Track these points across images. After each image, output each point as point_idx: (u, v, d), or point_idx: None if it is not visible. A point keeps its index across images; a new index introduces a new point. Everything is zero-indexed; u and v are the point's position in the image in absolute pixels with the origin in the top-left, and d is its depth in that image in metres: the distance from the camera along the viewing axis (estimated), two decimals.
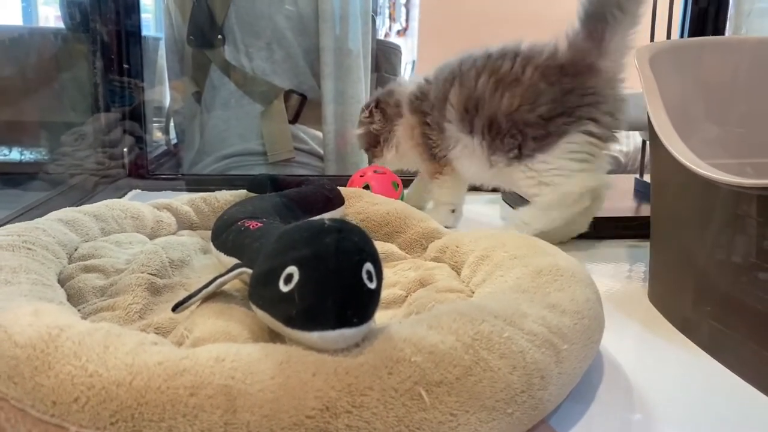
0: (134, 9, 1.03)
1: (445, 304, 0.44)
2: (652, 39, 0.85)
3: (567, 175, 0.67)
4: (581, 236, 0.77)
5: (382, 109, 0.81)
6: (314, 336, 0.30)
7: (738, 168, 0.64)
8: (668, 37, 0.86)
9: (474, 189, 1.02)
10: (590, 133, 0.67)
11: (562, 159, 0.67)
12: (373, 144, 0.83)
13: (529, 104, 0.66)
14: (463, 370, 0.31)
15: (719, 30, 1.15)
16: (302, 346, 0.31)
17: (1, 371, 0.30)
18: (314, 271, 0.30)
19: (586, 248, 0.75)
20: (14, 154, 1.16)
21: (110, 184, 1.05)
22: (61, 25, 1.09)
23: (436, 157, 0.77)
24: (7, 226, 0.51)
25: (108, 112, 1.08)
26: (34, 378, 0.29)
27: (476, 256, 0.52)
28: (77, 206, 0.61)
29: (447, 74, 0.74)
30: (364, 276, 0.31)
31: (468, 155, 0.73)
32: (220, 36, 1.11)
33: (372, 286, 0.31)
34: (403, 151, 0.81)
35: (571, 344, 0.38)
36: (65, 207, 0.61)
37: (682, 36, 1.14)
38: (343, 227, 0.33)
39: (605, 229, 0.78)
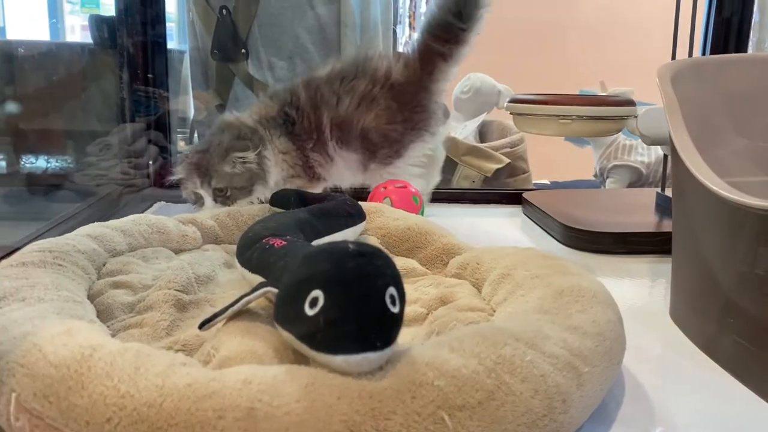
0: (159, 20, 1.05)
1: (467, 325, 0.44)
2: (673, 55, 0.85)
3: (409, 178, 0.84)
4: (602, 251, 0.78)
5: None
6: (338, 359, 0.31)
7: (762, 185, 0.63)
8: (690, 52, 0.86)
9: (495, 201, 1.03)
10: (426, 143, 0.85)
11: (409, 165, 0.85)
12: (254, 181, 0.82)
13: (389, 121, 0.82)
14: (486, 395, 0.32)
15: (743, 41, 1.14)
16: (326, 369, 0.32)
17: (36, 390, 0.31)
18: (339, 295, 0.31)
19: (606, 263, 0.75)
20: (40, 162, 1.18)
21: (135, 194, 1.07)
22: (87, 36, 1.11)
23: (316, 175, 0.85)
24: (39, 241, 0.53)
25: (133, 123, 1.10)
26: (68, 398, 0.30)
27: (497, 274, 0.52)
28: (105, 220, 0.62)
29: (306, 99, 0.83)
30: (388, 300, 0.32)
31: (344, 167, 0.85)
32: (243, 50, 1.12)
33: (395, 310, 0.32)
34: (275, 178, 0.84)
35: (593, 367, 0.38)
36: (94, 219, 0.62)
37: (704, 48, 1.14)
38: (367, 251, 0.33)
39: (627, 244, 0.78)
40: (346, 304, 0.31)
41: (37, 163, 1.18)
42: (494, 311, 0.49)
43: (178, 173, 0.79)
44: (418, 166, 0.85)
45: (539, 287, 0.47)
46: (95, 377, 0.31)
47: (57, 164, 1.20)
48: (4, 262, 0.49)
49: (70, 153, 1.21)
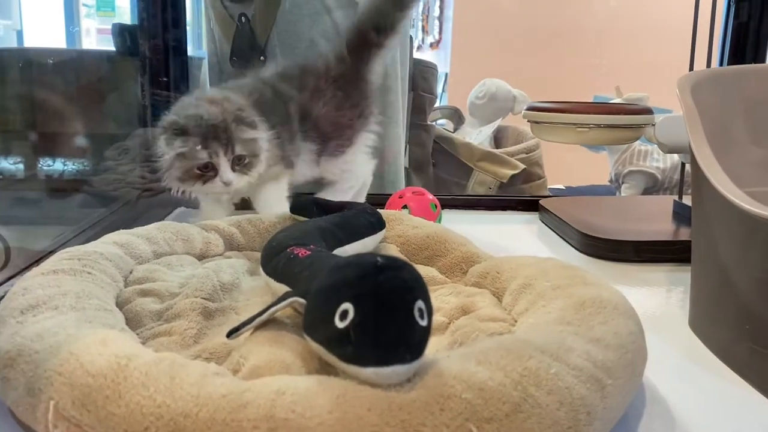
0: (179, 26, 1.07)
1: (489, 335, 0.45)
2: (691, 64, 0.85)
3: (361, 165, 0.89)
4: (620, 259, 0.78)
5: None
6: (368, 371, 0.32)
7: None
8: (708, 60, 0.86)
9: (511, 208, 1.03)
10: (371, 130, 0.89)
11: (359, 152, 0.89)
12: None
13: (338, 107, 0.85)
14: (513, 407, 0.32)
15: (760, 46, 1.14)
16: (356, 381, 0.32)
17: (75, 398, 0.32)
18: (369, 309, 0.32)
19: (624, 272, 0.75)
20: (57, 165, 1.20)
21: (152, 199, 1.08)
22: (102, 39, 1.13)
23: (290, 164, 0.84)
24: (68, 249, 0.54)
25: (151, 127, 1.12)
26: (105, 407, 0.31)
27: (518, 284, 0.53)
28: (128, 225, 0.64)
29: (272, 94, 0.83)
30: (416, 314, 0.32)
31: (302, 159, 0.86)
32: (262, 57, 1.13)
33: (423, 323, 0.33)
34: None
35: (616, 379, 0.39)
36: (117, 225, 0.63)
37: (722, 54, 1.13)
38: (395, 265, 0.34)
39: (644, 253, 0.78)
40: (376, 317, 0.32)
41: (54, 166, 1.19)
42: (515, 321, 0.50)
43: (183, 144, 0.70)
44: (366, 153, 0.90)
45: (560, 298, 0.48)
46: (132, 387, 0.32)
47: (74, 168, 1.21)
48: (36, 269, 0.50)
49: (88, 157, 1.22)
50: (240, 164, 0.73)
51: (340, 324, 0.32)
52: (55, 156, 1.17)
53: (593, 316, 0.44)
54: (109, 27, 1.08)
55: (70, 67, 1.09)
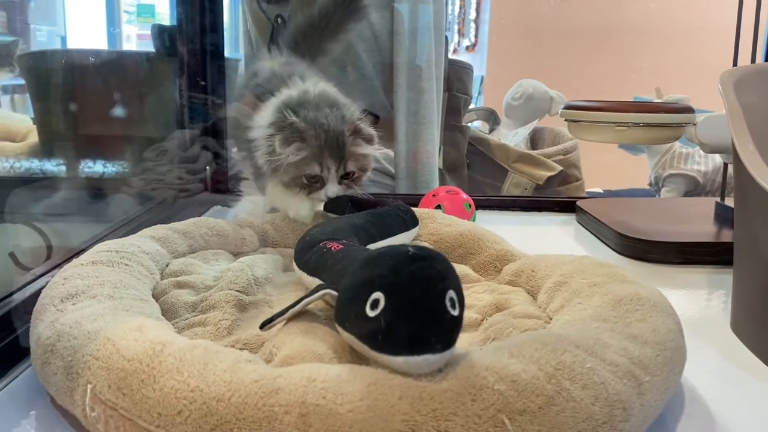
0: (216, 29, 1.08)
1: (524, 331, 0.44)
2: (735, 60, 0.82)
3: None
4: (659, 261, 0.76)
5: None
6: (399, 360, 0.31)
7: None
8: (753, 56, 0.83)
9: (547, 209, 1.02)
10: None
11: None
12: None
13: None
14: (546, 400, 0.32)
15: None
16: (387, 369, 0.32)
17: (111, 382, 0.33)
18: (400, 298, 0.32)
19: (663, 274, 0.73)
20: (98, 167, 1.23)
21: (190, 198, 1.09)
22: (142, 45, 1.15)
23: None
24: (106, 241, 0.55)
25: (189, 129, 1.14)
26: (141, 390, 0.32)
27: (553, 282, 0.52)
28: (164, 222, 0.65)
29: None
30: (448, 303, 0.32)
31: None
32: None
33: (455, 313, 0.32)
34: None
35: (653, 376, 0.38)
36: (153, 222, 0.64)
37: None
38: (427, 255, 0.34)
39: (685, 254, 0.76)
40: (407, 306, 0.31)
41: (95, 167, 1.22)
42: (550, 319, 0.49)
43: (296, 152, 0.64)
44: None
45: (597, 295, 0.47)
46: (166, 371, 0.32)
47: (114, 169, 1.24)
48: (75, 260, 0.51)
49: (127, 158, 1.25)
50: (348, 178, 0.68)
51: (371, 313, 0.32)
52: (96, 157, 1.20)
53: (630, 313, 0.43)
54: (149, 32, 1.10)
55: (110, 67, 1.12)
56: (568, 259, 0.56)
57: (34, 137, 1.21)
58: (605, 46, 3.11)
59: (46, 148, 1.19)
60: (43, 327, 0.41)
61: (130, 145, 1.22)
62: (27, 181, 1.19)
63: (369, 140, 0.68)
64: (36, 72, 1.14)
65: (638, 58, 2.96)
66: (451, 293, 0.33)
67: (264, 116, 0.68)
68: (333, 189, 0.67)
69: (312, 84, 0.72)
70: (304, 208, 0.71)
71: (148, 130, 1.22)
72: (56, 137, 1.18)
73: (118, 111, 1.16)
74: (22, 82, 1.21)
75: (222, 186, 1.13)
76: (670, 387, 0.39)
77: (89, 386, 0.34)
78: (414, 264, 0.32)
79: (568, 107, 0.88)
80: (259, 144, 0.67)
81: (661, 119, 0.84)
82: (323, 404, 0.30)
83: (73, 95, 1.12)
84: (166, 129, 1.17)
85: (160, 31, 0.95)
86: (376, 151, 0.69)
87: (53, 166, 1.23)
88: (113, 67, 1.15)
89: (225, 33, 1.19)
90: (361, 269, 0.35)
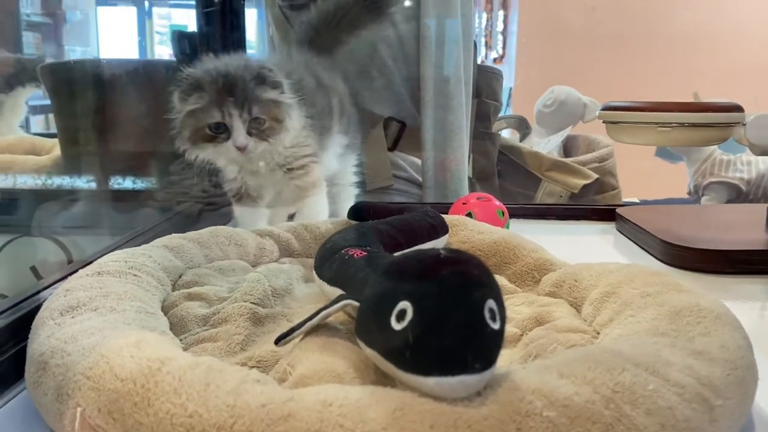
0: (240, 34, 1.06)
1: (570, 347, 0.39)
2: None
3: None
4: (709, 270, 0.70)
5: None
6: (430, 382, 0.27)
7: None
8: None
9: (584, 217, 0.97)
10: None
11: None
12: None
13: None
14: (604, 428, 0.27)
15: None
16: (416, 392, 0.28)
17: (101, 405, 0.29)
18: (431, 307, 0.27)
19: (715, 284, 0.68)
20: (127, 183, 1.21)
21: (215, 212, 1.07)
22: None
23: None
24: (115, 252, 0.51)
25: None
26: (133, 415, 0.28)
27: (600, 293, 0.47)
28: (183, 233, 0.61)
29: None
30: (487, 315, 0.28)
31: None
32: None
33: (495, 326, 0.28)
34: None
35: (726, 399, 0.32)
36: (170, 233, 0.61)
37: None
38: (461, 258, 0.29)
39: (738, 263, 0.70)
40: (439, 317, 0.27)
41: (119, 180, 1.21)
42: (598, 333, 0.44)
43: (196, 101, 0.62)
44: None
45: (651, 306, 0.42)
46: (162, 393, 0.28)
47: (142, 184, 1.22)
48: (81, 271, 0.47)
49: (152, 171, 1.23)
50: (258, 128, 0.64)
51: (396, 326, 0.28)
52: (120, 170, 1.18)
53: (692, 326, 0.38)
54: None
55: (134, 77, 1.10)
56: (615, 267, 0.51)
57: (58, 151, 1.20)
58: (636, 54, 3.04)
59: (69, 162, 1.18)
60: (38, 342, 0.37)
61: (155, 158, 1.20)
62: (50, 194, 1.18)
63: (275, 86, 0.65)
64: (57, 83, 1.12)
65: (671, 64, 2.89)
66: (491, 303, 0.28)
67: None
68: (240, 138, 0.63)
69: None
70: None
71: (173, 142, 1.20)
72: (79, 149, 1.16)
73: (143, 122, 1.14)
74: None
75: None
76: (744, 412, 0.34)
77: (79, 409, 0.30)
78: (446, 268, 0.28)
79: (607, 108, 0.82)
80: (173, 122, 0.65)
81: (708, 119, 0.78)
82: None
83: (96, 107, 1.10)
84: None
85: (180, 37, 0.93)
86: (288, 99, 0.66)
87: (76, 179, 1.21)
88: (137, 77, 1.13)
89: (254, 49, 1.17)
90: (384, 276, 0.30)
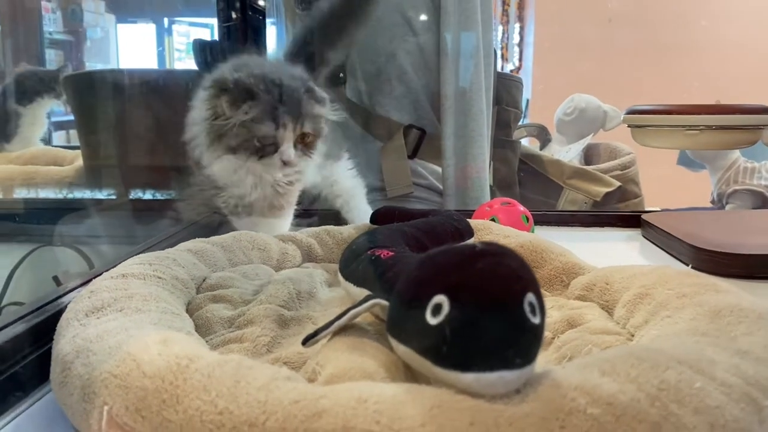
0: (260, 45, 1.06)
1: (607, 348, 0.38)
2: None
3: None
4: (742, 276, 0.69)
5: None
6: (469, 378, 0.26)
7: None
8: None
9: (608, 224, 0.95)
10: None
11: None
12: None
13: None
14: (651, 427, 0.26)
15: None
16: (453, 389, 0.27)
17: (129, 403, 0.28)
18: (469, 301, 0.26)
19: (750, 289, 0.65)
20: (147, 195, 1.21)
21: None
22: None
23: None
24: (139, 255, 0.51)
25: None
26: (161, 412, 0.27)
27: (633, 294, 0.46)
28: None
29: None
30: (527, 308, 0.27)
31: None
32: (341, 74, 1.11)
33: (536, 320, 0.27)
34: None
35: None
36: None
37: None
38: (499, 251, 0.28)
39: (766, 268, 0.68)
40: (477, 311, 0.26)
41: (140, 191, 1.21)
42: (632, 336, 0.43)
43: (250, 109, 0.58)
44: None
45: (689, 307, 0.40)
46: (191, 390, 0.27)
47: (162, 197, 1.22)
48: (105, 273, 0.47)
49: (173, 182, 1.23)
50: (303, 142, 0.61)
51: (432, 320, 0.27)
52: (142, 181, 1.19)
53: (734, 326, 0.37)
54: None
55: (155, 86, 1.10)
56: (647, 269, 0.50)
57: (80, 161, 1.21)
58: (653, 63, 3.02)
59: (91, 172, 1.18)
60: (63, 343, 0.36)
61: (177, 168, 1.21)
62: (72, 204, 1.19)
63: (321, 101, 0.62)
64: (79, 93, 1.13)
65: (689, 72, 2.87)
66: (531, 296, 0.27)
67: (196, 105, 0.63)
68: (289, 152, 0.59)
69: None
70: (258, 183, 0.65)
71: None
72: (101, 160, 1.17)
73: (164, 132, 1.14)
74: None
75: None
76: None
77: (105, 408, 0.29)
78: (483, 260, 0.27)
79: (632, 112, 0.81)
80: (197, 135, 0.61)
81: (737, 121, 0.76)
82: (376, 430, 0.24)
83: (117, 115, 1.11)
84: None
85: (201, 46, 0.93)
86: (330, 114, 0.63)
87: (98, 190, 1.22)
88: (157, 86, 1.14)
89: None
90: (418, 269, 0.29)
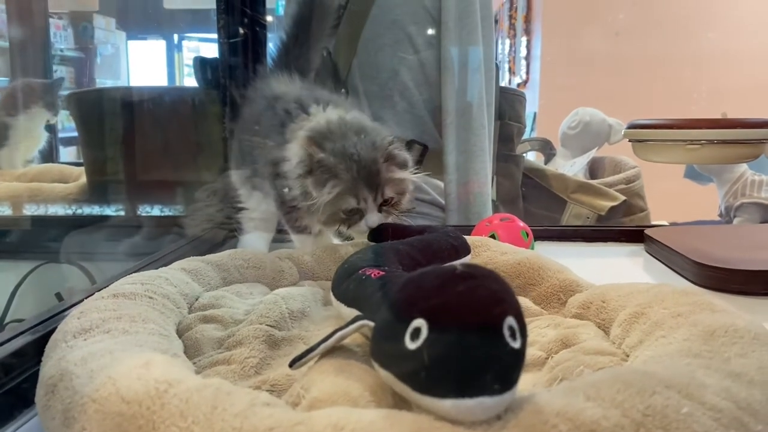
0: (261, 62, 1.06)
1: (598, 370, 0.37)
2: None
3: None
4: (744, 292, 0.68)
5: None
6: (447, 404, 0.25)
7: None
8: None
9: (611, 239, 0.94)
10: None
11: None
12: None
13: None
14: None
15: None
16: (432, 415, 0.26)
17: (106, 428, 0.28)
18: (447, 325, 0.26)
19: (750, 306, 0.65)
20: (155, 211, 1.22)
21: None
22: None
23: None
24: (133, 274, 0.51)
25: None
26: None
27: (628, 314, 0.45)
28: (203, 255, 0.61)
29: None
30: (507, 332, 0.26)
31: None
32: (343, 90, 1.12)
33: (516, 345, 0.26)
34: None
35: (767, 425, 0.30)
36: (192, 256, 0.60)
37: None
38: (478, 273, 0.28)
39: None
40: (455, 335, 0.25)
41: (144, 207, 1.21)
42: (627, 356, 0.42)
43: (332, 189, 0.61)
44: None
45: (683, 327, 0.40)
46: (168, 416, 0.27)
47: (167, 211, 1.23)
48: (97, 294, 0.47)
49: (178, 198, 1.24)
50: (387, 205, 0.65)
51: (411, 345, 0.26)
52: (145, 197, 1.19)
53: (728, 346, 0.36)
54: None
55: (160, 103, 1.11)
56: (644, 287, 0.49)
57: (84, 178, 1.22)
58: (661, 77, 3.02)
59: (94, 189, 1.19)
60: (49, 365, 0.36)
61: (180, 184, 1.21)
62: (75, 220, 1.19)
63: (403, 165, 0.65)
64: (83, 111, 1.14)
65: (695, 85, 2.86)
66: (511, 320, 0.26)
67: (292, 150, 0.65)
68: (373, 218, 0.63)
69: (335, 111, 0.68)
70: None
71: (199, 169, 1.21)
72: (104, 177, 1.18)
73: (168, 149, 1.15)
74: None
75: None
76: None
77: None
78: (463, 284, 0.27)
79: (633, 126, 0.81)
80: (291, 178, 0.64)
81: (738, 135, 0.76)
82: None
83: (121, 133, 1.12)
84: (216, 170, 1.14)
85: (202, 64, 0.94)
86: (412, 176, 0.66)
87: (101, 206, 1.23)
88: (162, 103, 1.15)
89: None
90: (400, 292, 0.29)
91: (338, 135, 0.63)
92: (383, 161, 0.63)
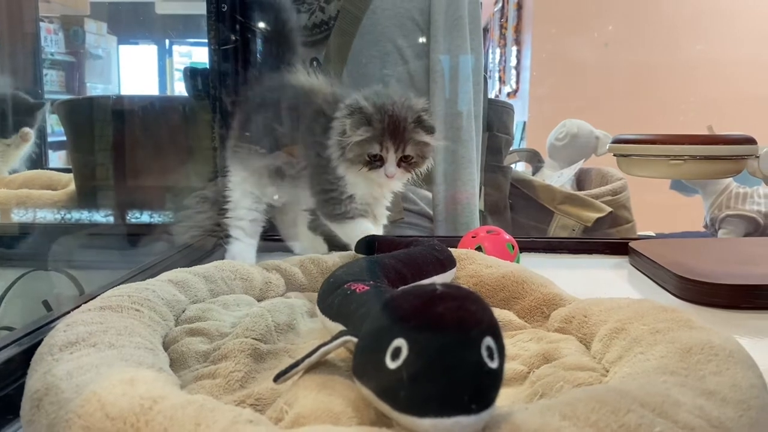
0: (249, 68, 1.06)
1: (577, 386, 0.38)
2: None
3: None
4: (725, 306, 0.69)
5: None
6: (425, 423, 0.26)
7: None
8: None
9: (597, 251, 0.95)
10: None
11: None
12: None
13: None
14: None
15: None
16: None
17: None
18: (426, 345, 0.26)
19: (731, 320, 0.66)
20: (144, 217, 1.22)
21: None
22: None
23: None
24: (120, 286, 0.51)
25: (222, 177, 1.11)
26: None
27: (609, 329, 0.46)
28: (191, 266, 0.61)
29: None
30: (484, 353, 0.27)
31: None
32: None
33: (493, 365, 0.27)
34: None
35: None
36: (180, 266, 0.61)
37: None
38: (458, 294, 0.29)
39: (755, 299, 0.69)
40: (434, 356, 0.26)
41: (134, 215, 1.21)
42: (607, 371, 0.43)
43: (364, 133, 0.72)
44: None
45: (661, 343, 0.40)
46: None
47: (156, 218, 1.23)
48: (84, 306, 0.47)
49: (168, 206, 1.24)
50: (406, 162, 0.75)
51: (391, 364, 0.27)
52: (135, 205, 1.19)
53: (703, 364, 0.37)
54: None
55: (148, 112, 1.11)
56: (625, 302, 0.50)
57: (73, 185, 1.21)
58: (649, 88, 3.05)
59: (83, 196, 1.19)
60: (35, 379, 0.37)
61: (170, 192, 1.21)
62: (64, 228, 1.19)
63: (429, 130, 0.75)
64: (72, 120, 1.14)
65: (684, 97, 2.89)
66: (489, 340, 0.27)
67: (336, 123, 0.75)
68: (391, 168, 0.74)
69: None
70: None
71: (189, 175, 1.21)
72: (93, 184, 1.17)
73: (157, 156, 1.15)
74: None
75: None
76: None
77: None
78: (442, 305, 0.27)
79: (617, 141, 0.82)
80: (333, 144, 0.75)
81: (721, 151, 0.77)
82: None
83: (110, 141, 1.12)
84: (206, 177, 1.15)
85: (192, 73, 0.94)
86: (436, 142, 0.76)
87: (90, 214, 1.22)
88: (150, 112, 1.15)
89: None
90: (381, 311, 0.30)
91: (383, 95, 0.74)
92: (411, 122, 0.73)
